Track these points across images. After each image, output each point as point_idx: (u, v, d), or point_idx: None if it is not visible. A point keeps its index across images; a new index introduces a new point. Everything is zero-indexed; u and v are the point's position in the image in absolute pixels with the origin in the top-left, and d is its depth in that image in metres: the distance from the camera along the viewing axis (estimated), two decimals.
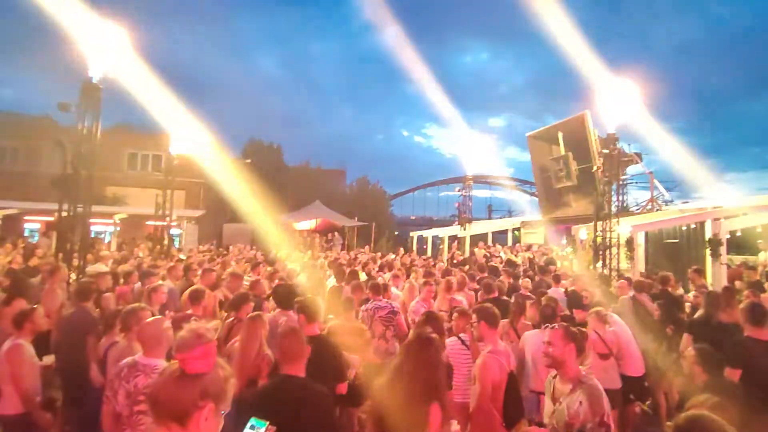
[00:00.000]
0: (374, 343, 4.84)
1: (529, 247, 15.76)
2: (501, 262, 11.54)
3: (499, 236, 25.18)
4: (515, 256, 13.74)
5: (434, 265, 10.40)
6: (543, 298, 4.76)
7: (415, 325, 4.27)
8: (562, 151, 15.27)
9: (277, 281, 6.82)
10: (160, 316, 3.18)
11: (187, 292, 4.86)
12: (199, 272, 6.74)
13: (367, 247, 16.68)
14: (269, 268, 8.57)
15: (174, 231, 17.84)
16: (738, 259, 10.24)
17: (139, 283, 6.50)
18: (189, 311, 4.58)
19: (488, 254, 14.40)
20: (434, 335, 2.79)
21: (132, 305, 3.53)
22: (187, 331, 1.51)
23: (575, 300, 6.05)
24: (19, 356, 3.36)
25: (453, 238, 20.69)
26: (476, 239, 20.47)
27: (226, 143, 30.46)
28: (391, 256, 13.96)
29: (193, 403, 1.36)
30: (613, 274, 9.97)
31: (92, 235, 14.67)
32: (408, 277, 7.79)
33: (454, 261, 13.04)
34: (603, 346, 4.31)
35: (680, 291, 7.36)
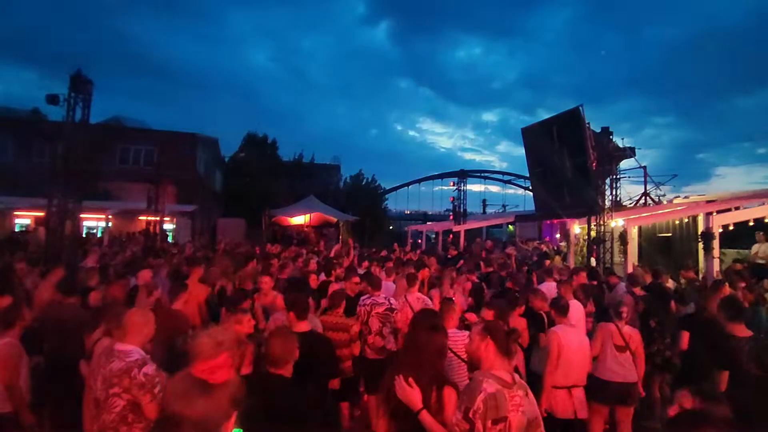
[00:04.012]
0: (371, 339, 4.83)
1: (525, 242, 15.81)
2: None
3: (494, 231, 25.25)
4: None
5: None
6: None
7: (410, 319, 4.25)
8: (556, 146, 15.26)
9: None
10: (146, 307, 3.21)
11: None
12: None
13: (350, 240, 16.56)
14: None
15: (167, 226, 17.71)
16: (731, 252, 10.31)
17: (134, 279, 6.43)
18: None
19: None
20: (440, 322, 2.84)
21: (118, 307, 3.46)
22: (204, 338, 1.43)
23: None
24: (10, 355, 3.30)
25: (448, 233, 20.74)
26: (471, 234, 20.54)
27: (221, 137, 30.35)
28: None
29: (225, 413, 1.30)
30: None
31: (84, 230, 14.52)
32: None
33: (448, 256, 13.02)
34: (620, 339, 4.30)
35: (670, 283, 7.40)
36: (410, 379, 2.44)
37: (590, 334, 4.64)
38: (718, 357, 3.57)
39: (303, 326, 3.47)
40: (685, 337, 4.47)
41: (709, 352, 3.97)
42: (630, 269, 9.97)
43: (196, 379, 1.32)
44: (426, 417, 2.36)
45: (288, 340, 2.65)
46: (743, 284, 6.11)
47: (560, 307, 4.15)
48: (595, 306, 5.93)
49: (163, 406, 1.33)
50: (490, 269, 8.39)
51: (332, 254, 10.46)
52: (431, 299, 5.50)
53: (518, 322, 4.53)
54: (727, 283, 5.84)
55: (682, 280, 7.90)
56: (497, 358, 2.32)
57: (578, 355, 3.95)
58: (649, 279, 6.79)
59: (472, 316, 4.66)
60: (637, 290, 6.13)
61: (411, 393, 2.40)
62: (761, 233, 9.54)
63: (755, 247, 9.49)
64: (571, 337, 3.98)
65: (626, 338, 4.31)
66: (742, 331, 3.72)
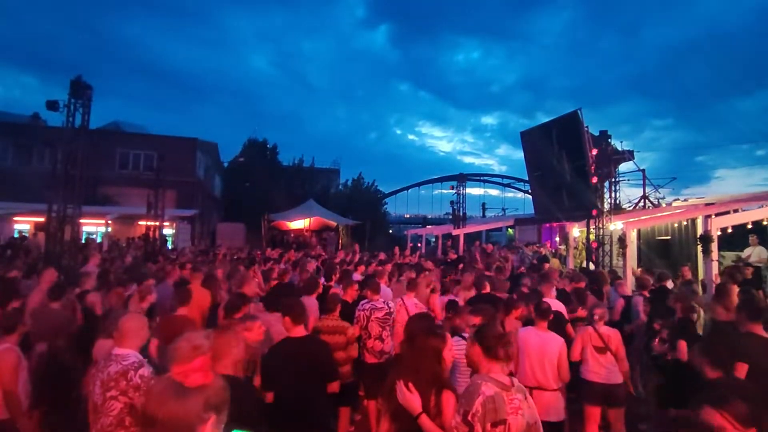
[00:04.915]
0: (370, 343, 4.83)
1: (525, 245, 15.81)
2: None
3: (494, 234, 25.26)
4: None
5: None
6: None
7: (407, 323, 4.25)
8: (555, 149, 15.29)
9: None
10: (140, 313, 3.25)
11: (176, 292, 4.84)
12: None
13: (357, 245, 16.57)
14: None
15: (166, 231, 17.71)
16: (729, 255, 10.32)
17: (135, 284, 6.43)
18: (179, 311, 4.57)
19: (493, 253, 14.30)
20: (437, 326, 2.85)
21: (116, 312, 3.47)
22: (182, 342, 1.45)
23: (565, 298, 6.08)
24: (8, 361, 3.30)
25: (447, 237, 20.74)
26: (471, 237, 20.53)
27: (221, 142, 30.42)
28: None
29: (197, 417, 1.30)
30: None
31: (84, 236, 14.51)
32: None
33: (448, 260, 13.03)
34: (599, 340, 4.36)
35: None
36: (410, 384, 2.46)
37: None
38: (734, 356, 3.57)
39: (300, 331, 3.48)
40: (683, 346, 4.47)
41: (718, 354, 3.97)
42: (629, 272, 9.98)
43: (172, 381, 1.34)
44: (425, 421, 2.39)
45: (227, 337, 2.66)
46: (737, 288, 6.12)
47: (540, 311, 4.18)
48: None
49: (142, 407, 1.35)
50: (489, 273, 8.39)
51: (337, 260, 10.47)
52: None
53: (515, 325, 4.54)
54: (733, 284, 5.88)
55: (679, 281, 7.93)
56: (490, 362, 2.34)
57: (539, 358, 3.95)
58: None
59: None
60: (646, 294, 6.20)
61: (410, 397, 2.42)
62: (755, 236, 9.55)
63: (748, 251, 9.49)
64: (533, 340, 4.02)
65: (605, 339, 4.37)
66: (760, 330, 3.73)
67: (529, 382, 3.88)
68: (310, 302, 5.09)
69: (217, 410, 1.34)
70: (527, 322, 4.50)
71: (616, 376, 4.34)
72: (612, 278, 7.70)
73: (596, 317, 4.51)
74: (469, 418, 2.14)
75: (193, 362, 1.35)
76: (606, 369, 4.32)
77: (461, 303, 5.40)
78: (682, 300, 4.91)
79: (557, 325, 4.59)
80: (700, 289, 7.23)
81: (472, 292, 5.90)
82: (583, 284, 6.44)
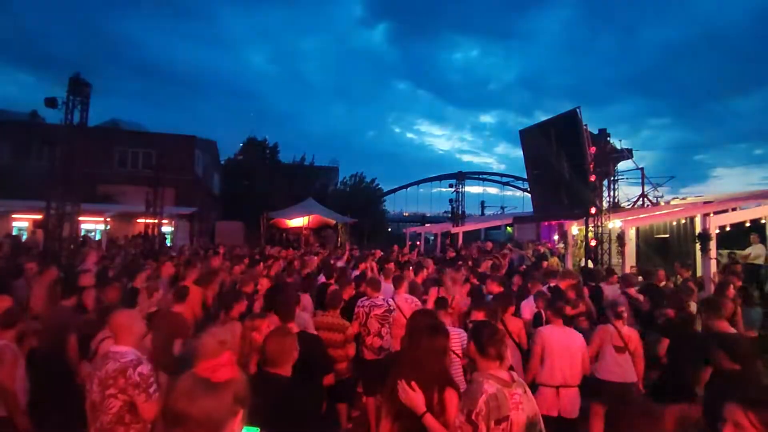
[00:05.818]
0: (369, 340, 4.84)
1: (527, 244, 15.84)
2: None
3: (493, 232, 25.28)
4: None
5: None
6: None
7: (408, 318, 4.26)
8: (554, 147, 15.29)
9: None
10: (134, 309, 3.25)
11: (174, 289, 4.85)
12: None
13: (347, 244, 16.59)
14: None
15: (165, 228, 17.69)
16: (727, 253, 10.35)
17: (130, 282, 6.41)
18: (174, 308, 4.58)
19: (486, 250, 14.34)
20: (440, 323, 2.85)
21: (116, 311, 3.45)
22: (207, 338, 1.45)
23: (560, 296, 6.09)
24: (7, 357, 3.29)
25: (446, 235, 20.76)
26: (469, 235, 20.55)
27: (220, 140, 30.37)
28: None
29: (229, 412, 1.31)
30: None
31: (82, 233, 14.49)
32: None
33: (447, 258, 13.04)
34: (619, 339, 4.34)
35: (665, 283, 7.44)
36: (413, 383, 2.43)
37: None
38: (703, 354, 3.66)
39: (291, 328, 3.47)
40: (665, 343, 4.51)
41: (694, 351, 4.04)
42: (628, 270, 10.01)
43: (199, 377, 1.35)
44: (430, 420, 2.37)
45: (283, 340, 2.61)
46: (739, 284, 6.18)
47: (556, 309, 4.17)
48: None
49: (169, 405, 1.35)
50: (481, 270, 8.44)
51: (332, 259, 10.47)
52: (428, 299, 5.54)
53: (514, 322, 4.55)
54: (731, 284, 5.93)
55: (679, 279, 7.96)
56: (485, 360, 2.34)
57: (564, 356, 3.95)
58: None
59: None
60: (632, 291, 6.21)
61: (414, 397, 2.40)
62: (755, 235, 9.59)
63: (749, 249, 9.54)
64: (557, 338, 4.02)
65: (625, 339, 4.34)
66: (726, 328, 3.81)
67: (557, 381, 3.90)
68: (304, 299, 5.11)
69: (243, 404, 1.36)
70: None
71: (632, 375, 4.32)
72: (605, 275, 7.71)
73: (623, 314, 4.45)
74: (473, 417, 2.14)
75: (220, 357, 1.36)
76: (623, 368, 4.30)
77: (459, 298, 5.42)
78: (671, 299, 4.97)
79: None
80: (696, 287, 7.25)
81: (465, 288, 5.92)
82: (576, 281, 6.46)
